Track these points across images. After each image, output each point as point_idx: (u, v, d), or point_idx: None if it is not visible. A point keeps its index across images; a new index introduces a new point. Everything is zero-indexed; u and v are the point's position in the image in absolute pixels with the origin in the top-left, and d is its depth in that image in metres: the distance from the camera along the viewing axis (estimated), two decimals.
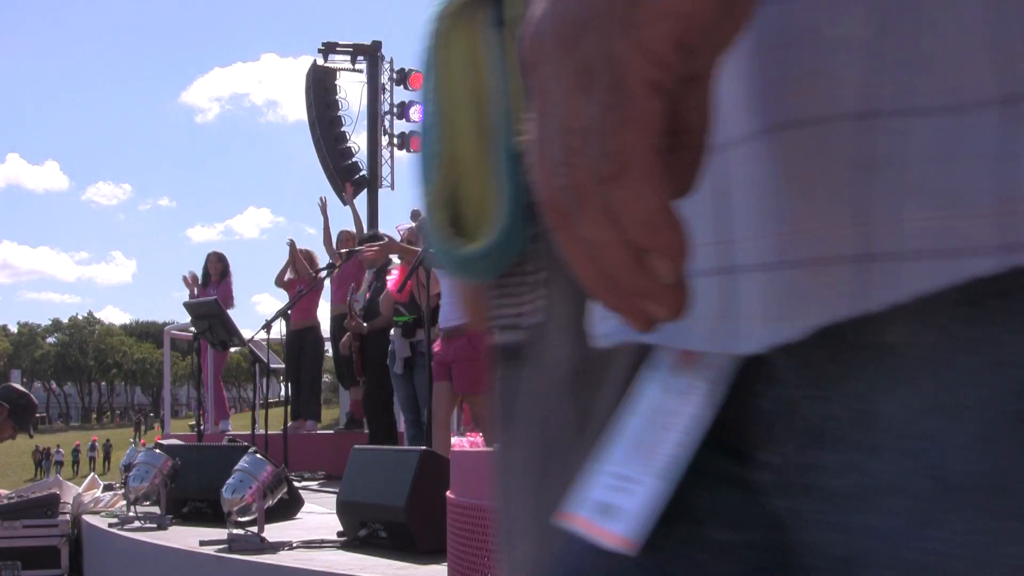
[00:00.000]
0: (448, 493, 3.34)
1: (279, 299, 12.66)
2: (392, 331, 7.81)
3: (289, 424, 9.25)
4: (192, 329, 9.73)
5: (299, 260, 9.68)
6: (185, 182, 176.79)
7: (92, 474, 9.53)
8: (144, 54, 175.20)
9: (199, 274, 10.99)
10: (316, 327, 10.22)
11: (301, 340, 10.01)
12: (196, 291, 10.78)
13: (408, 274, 5.93)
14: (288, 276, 10.24)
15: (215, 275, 11.08)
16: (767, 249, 0.57)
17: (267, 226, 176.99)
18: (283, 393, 10.82)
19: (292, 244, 10.08)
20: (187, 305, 8.81)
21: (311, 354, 10.12)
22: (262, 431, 8.60)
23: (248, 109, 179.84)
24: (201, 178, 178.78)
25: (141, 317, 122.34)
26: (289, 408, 10.34)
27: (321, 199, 10.71)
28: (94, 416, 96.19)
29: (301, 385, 10.35)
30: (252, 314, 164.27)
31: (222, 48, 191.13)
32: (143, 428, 64.39)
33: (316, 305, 10.22)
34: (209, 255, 11.26)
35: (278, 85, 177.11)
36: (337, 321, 10.35)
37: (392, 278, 7.55)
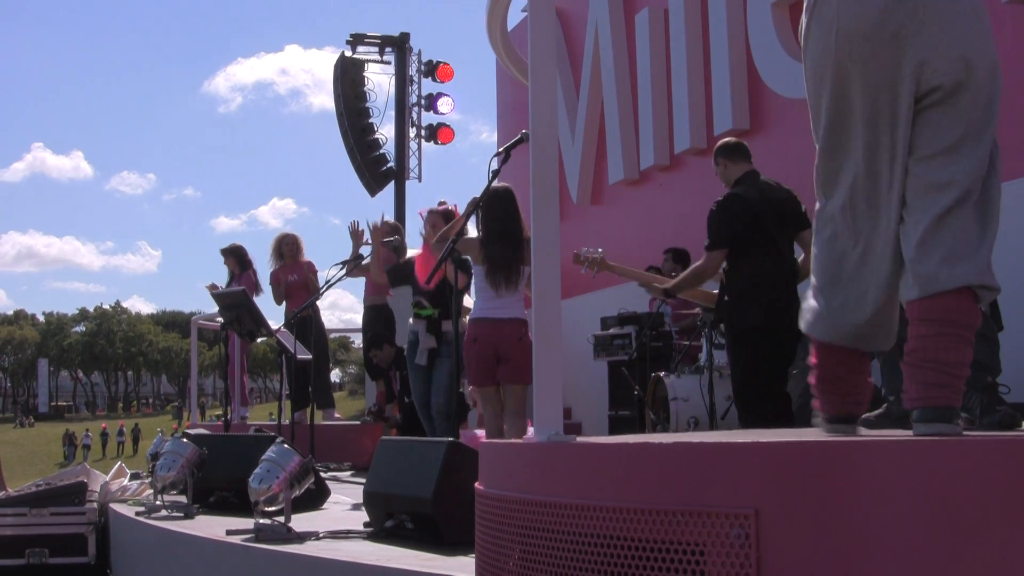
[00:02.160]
0: (476, 484, 3.33)
1: None
2: (411, 321, 7.84)
3: (296, 414, 9.28)
4: (219, 319, 9.77)
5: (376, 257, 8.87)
6: (209, 172, 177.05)
7: (119, 463, 9.59)
8: (167, 44, 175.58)
9: (220, 283, 11.03)
10: (312, 314, 9.97)
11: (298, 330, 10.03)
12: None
13: (438, 263, 5.91)
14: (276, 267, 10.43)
15: (235, 270, 11.15)
16: None
17: (291, 216, 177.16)
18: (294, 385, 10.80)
19: (382, 226, 8.92)
20: (215, 295, 8.84)
21: (315, 342, 10.08)
22: (288, 421, 8.64)
23: (271, 99, 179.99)
24: (225, 168, 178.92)
25: (167, 307, 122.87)
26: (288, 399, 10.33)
27: (352, 224, 9.27)
28: (120, 405, 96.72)
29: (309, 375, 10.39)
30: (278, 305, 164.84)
31: (245, 38, 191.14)
32: (186, 414, 64.51)
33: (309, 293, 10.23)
34: (225, 254, 11.33)
35: (302, 76, 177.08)
36: (370, 313, 10.41)
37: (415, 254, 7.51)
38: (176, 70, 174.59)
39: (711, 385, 6.90)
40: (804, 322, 3.03)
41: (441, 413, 7.62)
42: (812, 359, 3.01)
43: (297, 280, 10.50)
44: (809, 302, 3.00)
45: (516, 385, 6.16)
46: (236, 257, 11.24)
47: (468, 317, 6.57)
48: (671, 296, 6.49)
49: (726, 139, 6.37)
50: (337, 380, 72.81)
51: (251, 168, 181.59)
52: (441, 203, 7.25)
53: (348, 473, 8.93)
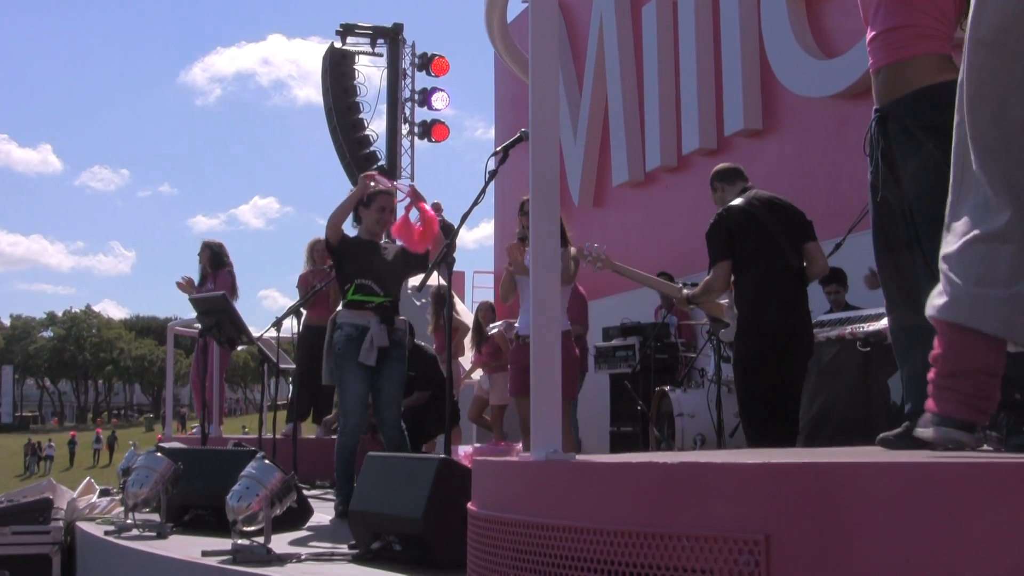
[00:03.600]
0: (469, 505, 3.34)
1: (288, 294, 12.64)
2: (342, 309, 6.88)
3: (287, 427, 9.30)
4: (197, 325, 9.78)
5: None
6: (186, 168, 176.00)
7: (88, 478, 9.57)
8: (141, 31, 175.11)
9: (195, 276, 11.06)
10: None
11: (318, 339, 10.05)
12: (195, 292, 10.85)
13: (432, 267, 5.94)
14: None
15: (207, 267, 11.12)
16: None
17: (274, 216, 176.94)
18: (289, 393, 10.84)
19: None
20: (193, 300, 8.84)
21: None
22: (270, 435, 8.64)
23: (253, 92, 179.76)
24: (203, 164, 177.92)
25: (141, 311, 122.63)
26: (280, 410, 10.39)
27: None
28: (90, 416, 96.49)
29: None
30: (259, 310, 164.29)
31: (225, 26, 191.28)
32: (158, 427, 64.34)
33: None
34: (201, 247, 11.33)
35: (286, 66, 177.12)
36: (315, 333, 10.38)
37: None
38: (151, 59, 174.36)
39: (719, 400, 6.92)
40: (939, 306, 2.87)
41: (393, 428, 6.87)
42: (938, 349, 2.87)
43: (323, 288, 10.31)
44: (954, 284, 2.84)
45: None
46: (211, 252, 11.18)
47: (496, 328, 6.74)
48: (694, 304, 6.53)
49: (721, 164, 6.51)
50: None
51: (231, 164, 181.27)
52: (436, 206, 7.25)
53: (333, 491, 8.92)
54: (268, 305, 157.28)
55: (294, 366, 9.92)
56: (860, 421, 6.46)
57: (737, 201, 5.97)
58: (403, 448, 6.64)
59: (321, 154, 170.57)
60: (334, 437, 10.73)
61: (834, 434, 6.49)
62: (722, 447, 6.95)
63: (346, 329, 6.74)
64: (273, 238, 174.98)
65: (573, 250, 6.94)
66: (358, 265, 6.82)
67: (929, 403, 2.84)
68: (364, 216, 6.91)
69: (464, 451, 8.54)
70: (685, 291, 6.40)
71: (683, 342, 9.93)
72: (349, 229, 7.08)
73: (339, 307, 6.99)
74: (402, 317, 6.94)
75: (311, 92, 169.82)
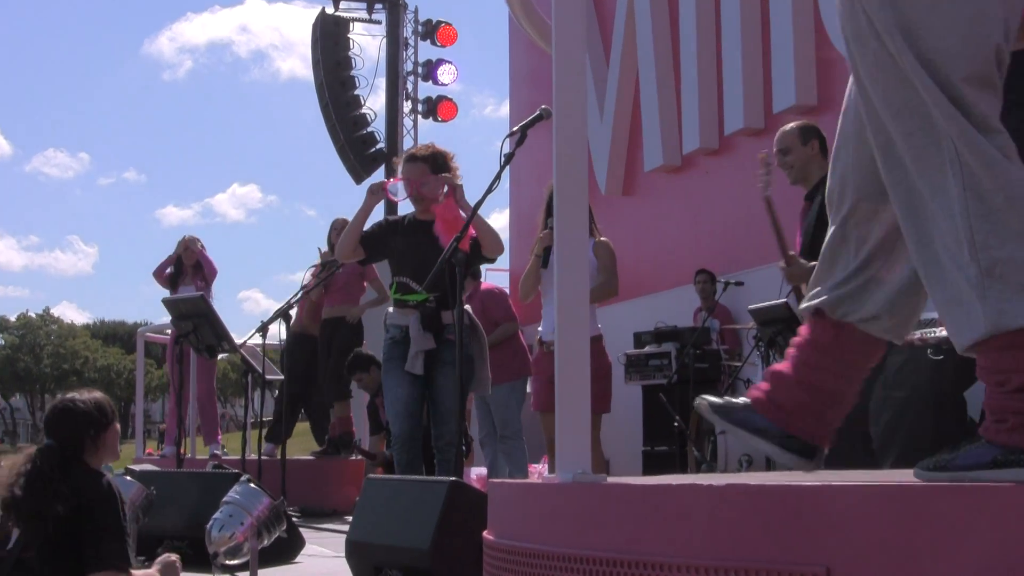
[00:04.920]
0: (485, 533, 3.34)
1: (271, 296, 12.68)
2: (392, 311, 6.78)
3: (262, 447, 9.36)
4: (170, 331, 9.82)
5: None
6: (155, 152, 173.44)
7: None
8: None
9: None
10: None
11: (332, 331, 10.25)
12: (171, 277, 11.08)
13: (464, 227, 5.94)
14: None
15: (189, 263, 11.26)
16: None
17: (256, 206, 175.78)
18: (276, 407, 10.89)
19: None
20: (167, 302, 8.88)
21: (346, 351, 10.18)
22: (254, 455, 8.65)
23: (229, 64, 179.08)
24: (174, 148, 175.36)
25: (106, 316, 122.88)
26: (262, 427, 10.48)
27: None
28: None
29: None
30: (239, 313, 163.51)
31: None
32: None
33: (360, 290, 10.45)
34: (181, 241, 11.46)
35: (267, 35, 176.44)
36: (331, 326, 10.50)
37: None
38: (110, 27, 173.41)
39: None
40: None
41: (450, 445, 6.30)
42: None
43: (340, 274, 10.13)
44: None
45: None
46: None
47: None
48: None
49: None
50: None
51: (205, 147, 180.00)
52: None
53: (327, 519, 8.95)
54: (250, 308, 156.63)
55: (281, 376, 9.95)
56: (931, 440, 6.44)
57: None
58: (460, 472, 6.03)
59: (309, 135, 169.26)
60: (343, 458, 10.83)
61: (902, 454, 6.46)
62: (772, 469, 6.95)
63: (391, 331, 6.64)
64: (254, 231, 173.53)
65: (604, 239, 6.98)
66: (394, 261, 6.79)
67: (1000, 434, 2.48)
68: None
69: (477, 473, 8.55)
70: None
71: (726, 349, 9.94)
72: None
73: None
74: (467, 308, 6.45)
75: (296, 64, 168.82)
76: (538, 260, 7.36)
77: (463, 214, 6.29)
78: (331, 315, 10.38)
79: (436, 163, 6.62)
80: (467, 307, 6.61)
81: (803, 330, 3.00)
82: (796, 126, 6.28)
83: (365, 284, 10.52)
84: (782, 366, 3.02)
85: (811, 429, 2.93)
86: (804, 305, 2.97)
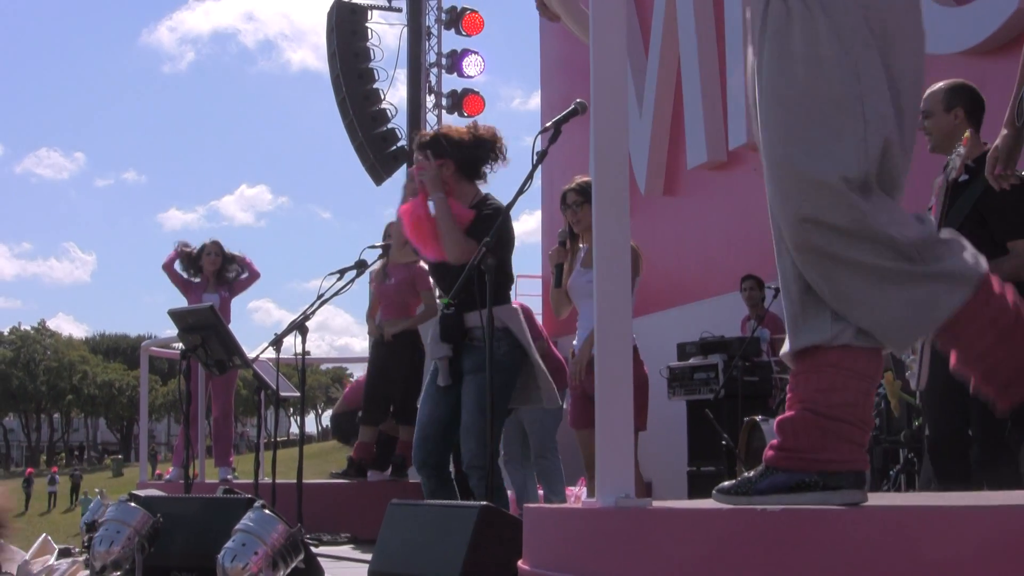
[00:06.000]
0: (520, 563, 3.34)
1: (284, 306, 12.69)
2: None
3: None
4: (177, 345, 9.83)
5: None
6: (156, 151, 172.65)
7: (44, 535, 9.64)
8: None
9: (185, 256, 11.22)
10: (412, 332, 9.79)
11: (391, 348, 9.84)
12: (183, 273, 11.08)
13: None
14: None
15: (210, 270, 11.21)
16: None
17: (266, 208, 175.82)
18: (293, 428, 10.89)
19: None
20: (173, 313, 8.89)
21: (408, 368, 9.72)
22: (269, 479, 8.65)
23: (234, 56, 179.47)
24: (177, 147, 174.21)
25: (106, 328, 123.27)
26: (283, 448, 10.43)
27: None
28: (43, 458, 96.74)
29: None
30: (249, 325, 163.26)
31: None
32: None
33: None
34: (207, 245, 11.41)
35: (276, 23, 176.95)
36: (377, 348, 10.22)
37: None
38: (107, 17, 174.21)
39: None
40: None
41: (472, 468, 6.02)
42: None
43: (392, 284, 9.73)
44: None
45: None
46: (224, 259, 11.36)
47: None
48: None
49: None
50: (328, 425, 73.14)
51: (211, 146, 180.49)
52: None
53: (347, 547, 8.96)
54: (260, 319, 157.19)
55: (296, 393, 9.94)
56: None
57: None
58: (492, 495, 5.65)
59: (323, 132, 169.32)
60: (358, 481, 10.80)
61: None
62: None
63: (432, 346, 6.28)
64: (265, 236, 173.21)
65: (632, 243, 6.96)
66: (430, 267, 6.64)
67: None
68: None
69: (513, 496, 8.54)
70: None
71: (777, 361, 9.90)
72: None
73: None
74: (513, 305, 6.26)
75: (307, 55, 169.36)
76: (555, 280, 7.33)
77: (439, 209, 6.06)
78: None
79: (438, 147, 6.18)
80: (516, 304, 6.44)
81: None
82: (944, 87, 5.92)
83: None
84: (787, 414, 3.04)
85: (847, 456, 2.89)
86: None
